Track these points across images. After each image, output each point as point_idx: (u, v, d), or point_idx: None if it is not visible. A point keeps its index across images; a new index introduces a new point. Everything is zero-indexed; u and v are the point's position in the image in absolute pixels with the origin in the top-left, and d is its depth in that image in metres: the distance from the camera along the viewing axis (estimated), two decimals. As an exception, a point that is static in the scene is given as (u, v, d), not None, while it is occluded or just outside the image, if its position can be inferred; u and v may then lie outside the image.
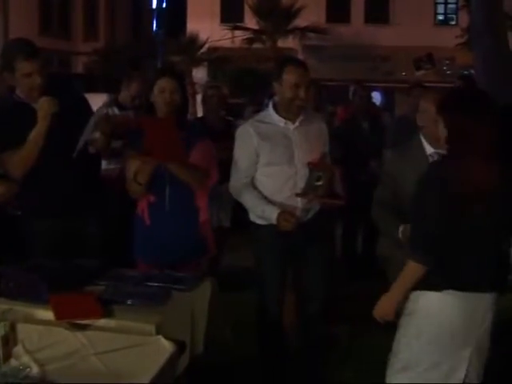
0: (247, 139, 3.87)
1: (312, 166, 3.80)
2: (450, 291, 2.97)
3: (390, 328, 3.60)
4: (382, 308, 3.10)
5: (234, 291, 5.10)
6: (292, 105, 3.84)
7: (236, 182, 3.93)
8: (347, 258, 6.73)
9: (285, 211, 3.74)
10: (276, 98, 3.94)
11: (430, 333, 3.01)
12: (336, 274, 5.54)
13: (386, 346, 4.62)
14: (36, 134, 3.69)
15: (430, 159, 3.55)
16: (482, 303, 3.04)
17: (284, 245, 3.89)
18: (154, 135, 3.48)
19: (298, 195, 3.82)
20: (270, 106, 3.96)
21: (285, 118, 3.89)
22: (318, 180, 3.77)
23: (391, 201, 3.70)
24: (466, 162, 2.87)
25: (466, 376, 3.05)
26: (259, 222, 3.92)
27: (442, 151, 3.18)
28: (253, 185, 3.91)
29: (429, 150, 3.65)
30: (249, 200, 3.89)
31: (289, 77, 3.80)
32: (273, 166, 3.86)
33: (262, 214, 3.83)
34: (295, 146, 3.89)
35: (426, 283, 2.98)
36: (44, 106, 3.67)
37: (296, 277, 4.10)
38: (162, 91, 3.71)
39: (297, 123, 3.91)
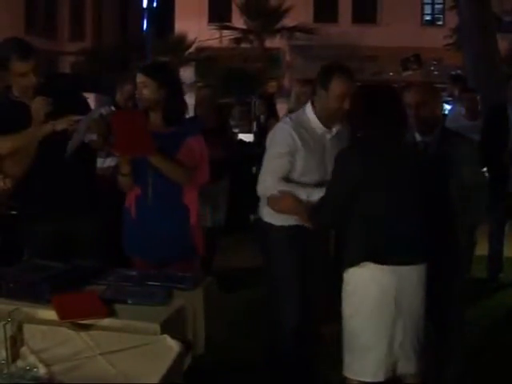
0: (291, 142, 3.70)
1: None
2: (372, 265, 3.21)
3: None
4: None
5: (229, 292, 5.10)
6: (336, 114, 3.71)
7: (271, 182, 3.72)
8: (339, 257, 6.72)
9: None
10: (316, 103, 3.78)
11: (362, 308, 3.26)
12: (330, 273, 5.54)
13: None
14: (30, 135, 3.66)
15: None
16: (409, 276, 3.25)
17: (298, 247, 3.86)
18: (120, 128, 3.51)
19: None
20: (310, 109, 3.79)
21: (324, 125, 3.77)
22: None
23: None
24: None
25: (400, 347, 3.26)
26: (274, 222, 3.85)
27: (427, 139, 3.75)
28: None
29: (418, 138, 3.85)
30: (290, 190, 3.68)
31: (337, 85, 3.64)
32: (303, 176, 3.75)
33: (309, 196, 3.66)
34: (328, 157, 3.75)
35: (348, 261, 3.29)
36: (37, 107, 3.64)
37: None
38: (137, 88, 3.77)
39: (333, 132, 3.80)
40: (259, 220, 4.00)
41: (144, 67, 3.90)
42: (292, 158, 3.72)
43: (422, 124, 3.77)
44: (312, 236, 3.84)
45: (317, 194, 3.55)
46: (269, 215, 3.87)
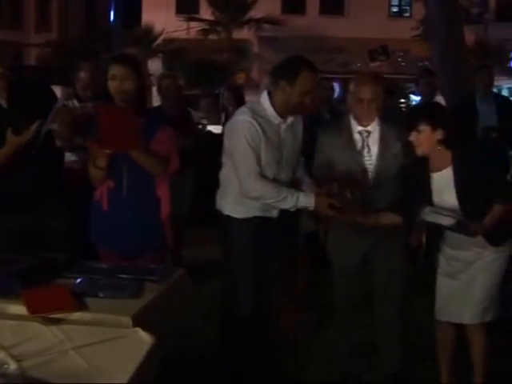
0: (254, 132, 3.69)
1: (340, 184, 3.70)
2: None
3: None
4: None
5: (198, 284, 5.09)
6: (296, 109, 3.76)
7: (254, 178, 3.70)
8: (311, 247, 6.74)
9: (320, 194, 3.70)
10: (276, 95, 3.77)
11: None
12: (301, 263, 5.57)
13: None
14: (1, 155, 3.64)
15: (358, 136, 3.96)
16: None
17: (262, 239, 3.86)
18: (108, 122, 3.45)
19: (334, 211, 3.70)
20: (266, 99, 3.79)
21: (280, 115, 3.78)
22: (352, 194, 3.69)
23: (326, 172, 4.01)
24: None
25: None
26: (237, 215, 3.85)
27: (368, 128, 3.92)
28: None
29: (355, 127, 3.96)
30: (276, 193, 3.71)
31: (304, 82, 3.67)
32: (265, 168, 3.75)
33: (295, 202, 3.70)
34: (284, 147, 3.82)
35: None
36: (11, 141, 3.61)
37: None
38: (113, 78, 3.65)
39: (288, 122, 3.82)
40: (219, 214, 3.97)
41: (121, 59, 3.82)
42: (260, 147, 3.72)
43: (371, 116, 3.89)
44: (277, 225, 3.88)
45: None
46: (229, 209, 3.88)
